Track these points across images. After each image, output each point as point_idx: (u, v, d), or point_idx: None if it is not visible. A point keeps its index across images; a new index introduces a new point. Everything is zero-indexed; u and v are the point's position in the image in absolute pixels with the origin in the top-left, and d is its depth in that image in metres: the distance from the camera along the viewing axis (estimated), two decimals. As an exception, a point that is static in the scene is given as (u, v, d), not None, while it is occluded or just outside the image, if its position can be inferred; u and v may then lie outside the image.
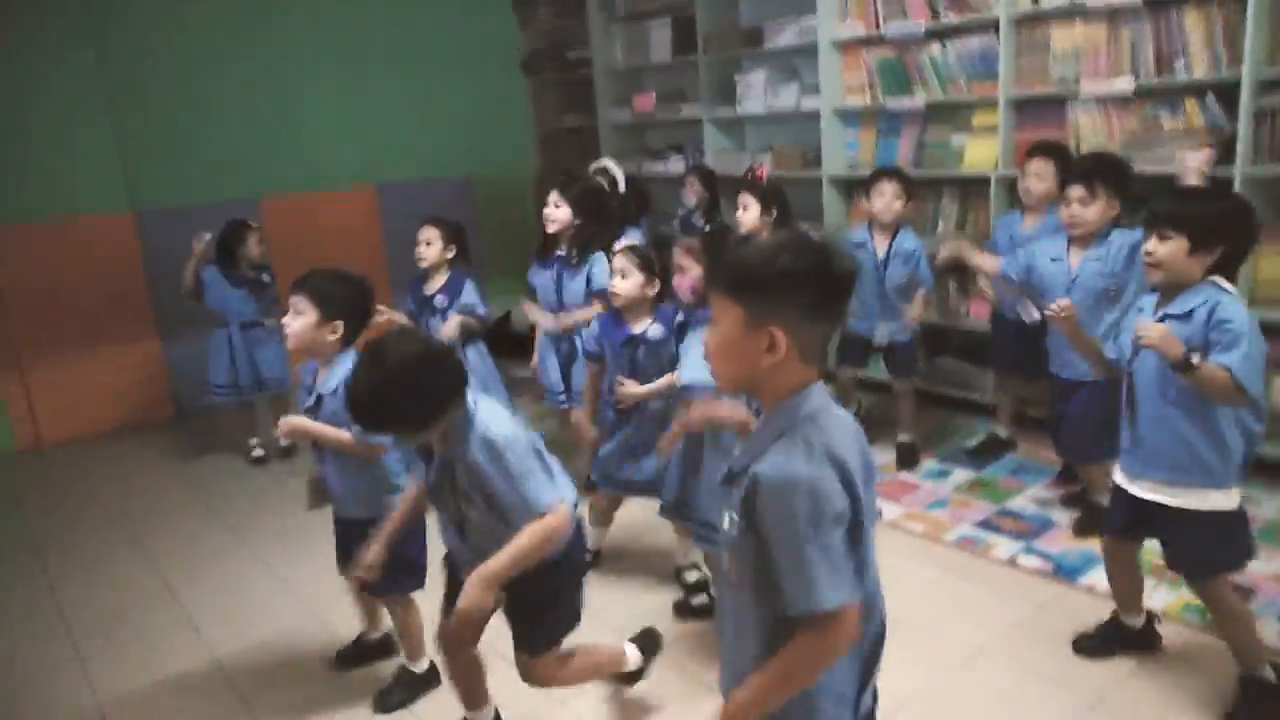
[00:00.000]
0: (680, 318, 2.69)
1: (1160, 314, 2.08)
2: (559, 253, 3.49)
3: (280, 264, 5.54)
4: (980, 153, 4.11)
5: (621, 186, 4.09)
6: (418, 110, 6.03)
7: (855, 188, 4.72)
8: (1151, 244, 2.06)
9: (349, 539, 2.39)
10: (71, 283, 4.90)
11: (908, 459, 3.78)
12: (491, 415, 1.89)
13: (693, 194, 4.72)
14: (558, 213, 3.46)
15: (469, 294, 3.66)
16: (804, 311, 1.27)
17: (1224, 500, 2.09)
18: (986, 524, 3.22)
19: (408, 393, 1.80)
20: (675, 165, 5.60)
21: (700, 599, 2.81)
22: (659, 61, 5.52)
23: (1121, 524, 2.27)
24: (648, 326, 2.75)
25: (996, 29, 3.86)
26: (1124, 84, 3.53)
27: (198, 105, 5.21)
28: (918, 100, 4.25)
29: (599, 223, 3.47)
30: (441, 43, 6.08)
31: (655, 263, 2.74)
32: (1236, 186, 3.23)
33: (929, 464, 3.77)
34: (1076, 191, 2.84)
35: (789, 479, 1.24)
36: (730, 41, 5.07)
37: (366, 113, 5.83)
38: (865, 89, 4.50)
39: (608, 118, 5.96)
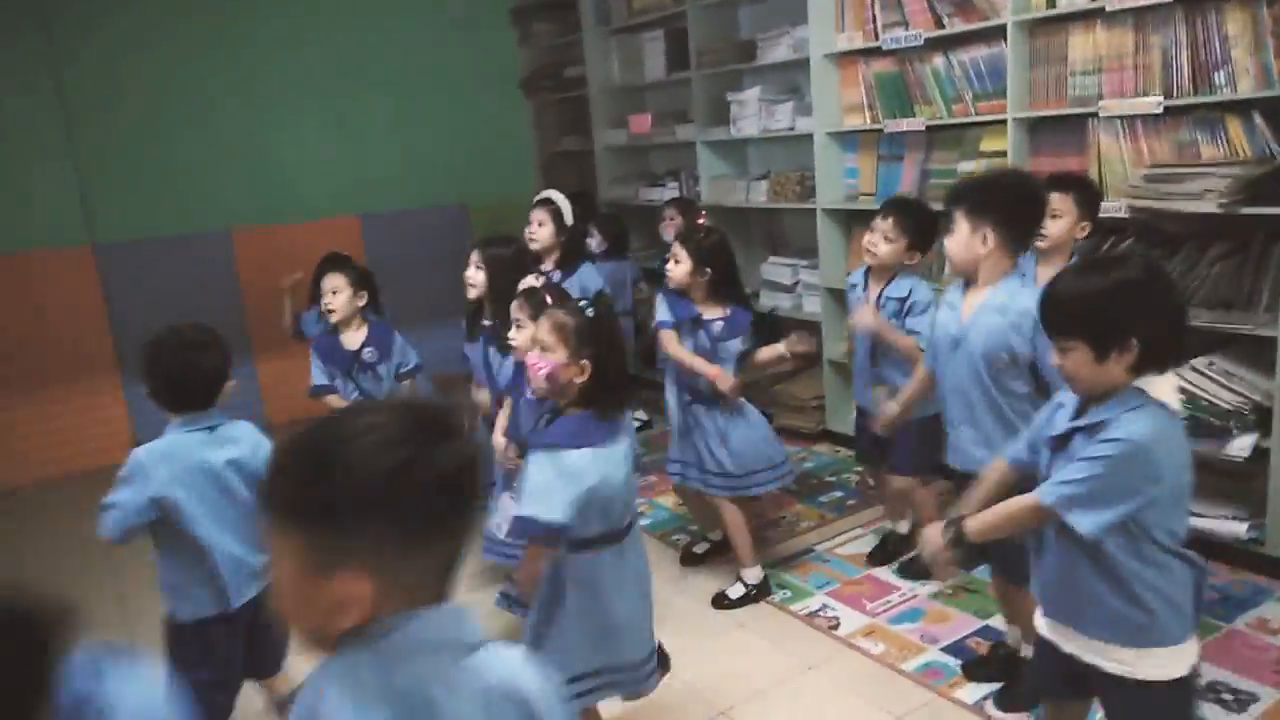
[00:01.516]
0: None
1: (1069, 426, 1.61)
2: (486, 322, 3.04)
3: (253, 299, 5.30)
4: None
5: (568, 219, 3.62)
6: (409, 134, 5.68)
7: (855, 222, 4.14)
8: (1053, 357, 1.60)
9: None
10: (27, 318, 4.68)
11: (879, 554, 3.19)
12: None
13: (671, 229, 4.22)
14: (478, 276, 3.01)
15: (399, 347, 3.25)
16: (393, 542, 0.83)
17: (1169, 661, 1.57)
18: (961, 648, 2.61)
19: None
20: (671, 192, 5.09)
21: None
22: (654, 79, 5.04)
23: (1058, 685, 1.75)
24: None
25: (1005, 36, 3.25)
26: (1150, 101, 2.88)
27: (163, 134, 4.95)
28: (918, 121, 3.65)
29: (515, 288, 2.98)
30: (435, 62, 5.71)
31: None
32: (1290, 230, 2.57)
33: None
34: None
35: None
36: (725, 56, 4.55)
37: (350, 138, 5.50)
38: (864, 108, 3.92)
39: (604, 139, 5.49)
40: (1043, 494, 1.58)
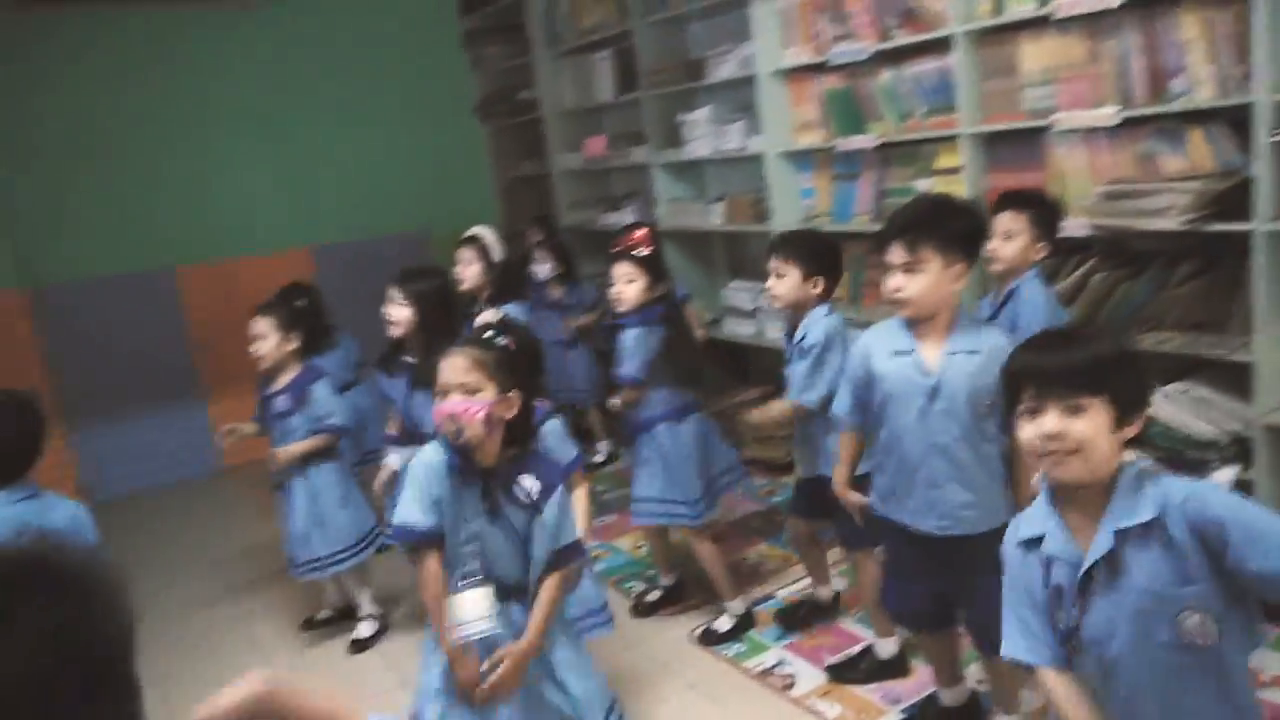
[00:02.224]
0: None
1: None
2: (408, 359, 2.86)
3: (199, 336, 5.12)
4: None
5: (495, 256, 3.45)
6: (361, 163, 5.52)
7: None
8: (1054, 423, 1.28)
9: None
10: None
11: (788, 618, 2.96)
12: None
13: None
14: (401, 313, 2.83)
15: (320, 400, 3.04)
16: None
17: None
18: (923, 706, 2.42)
19: None
20: (628, 217, 4.92)
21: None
22: (605, 100, 4.87)
23: None
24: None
25: (951, 47, 3.09)
26: (1106, 113, 2.71)
27: (100, 170, 4.80)
28: (870, 139, 3.48)
29: (445, 322, 2.81)
30: (387, 89, 5.56)
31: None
32: (1257, 246, 2.40)
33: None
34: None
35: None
36: (673, 76, 4.38)
37: (299, 169, 5.34)
38: (818, 126, 3.75)
39: (560, 163, 5.33)
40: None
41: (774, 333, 4.16)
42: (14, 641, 0.66)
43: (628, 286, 2.79)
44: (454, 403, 1.78)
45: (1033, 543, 1.34)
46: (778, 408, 2.77)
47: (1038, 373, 1.29)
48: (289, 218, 5.33)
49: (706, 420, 2.96)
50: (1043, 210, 2.50)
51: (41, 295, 4.69)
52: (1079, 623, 1.29)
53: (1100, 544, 1.26)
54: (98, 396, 4.86)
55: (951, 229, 1.93)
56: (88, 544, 1.90)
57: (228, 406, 5.00)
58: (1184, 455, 2.58)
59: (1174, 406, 2.62)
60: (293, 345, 3.08)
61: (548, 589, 1.83)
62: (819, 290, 2.55)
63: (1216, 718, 1.27)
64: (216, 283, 5.09)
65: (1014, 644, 1.39)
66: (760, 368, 4.45)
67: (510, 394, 1.82)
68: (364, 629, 3.13)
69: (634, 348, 2.78)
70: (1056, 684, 1.35)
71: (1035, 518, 1.35)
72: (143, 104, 4.85)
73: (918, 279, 1.90)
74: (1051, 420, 1.27)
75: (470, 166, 5.92)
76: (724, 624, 2.89)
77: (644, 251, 2.83)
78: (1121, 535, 1.24)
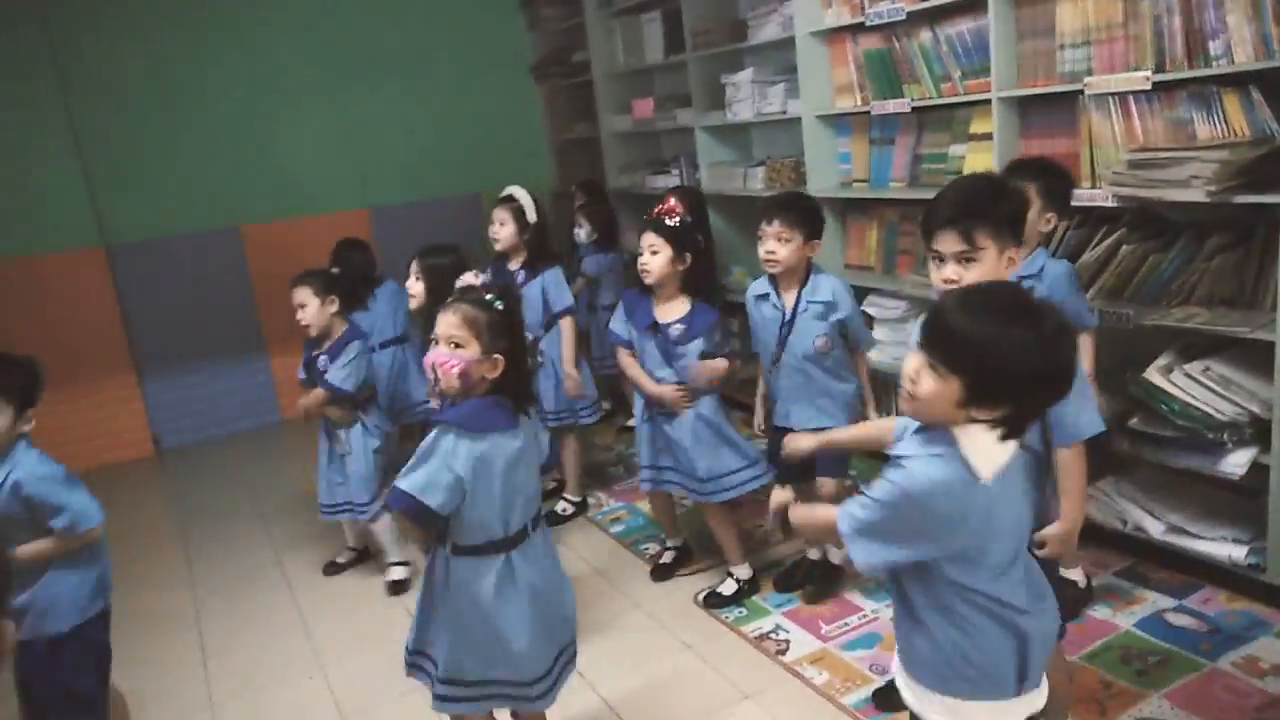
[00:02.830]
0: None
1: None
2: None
3: (263, 293, 5.34)
4: (980, 167, 3.20)
5: (531, 216, 3.48)
6: (419, 125, 5.63)
7: (851, 210, 3.91)
8: (910, 363, 1.36)
9: None
10: (41, 319, 4.80)
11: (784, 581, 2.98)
12: None
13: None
14: (417, 286, 2.94)
15: (340, 362, 3.17)
16: None
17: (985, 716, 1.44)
18: (909, 678, 2.42)
19: None
20: (674, 180, 4.91)
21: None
22: (654, 61, 4.85)
23: None
24: None
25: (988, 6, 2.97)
26: (1137, 77, 2.58)
27: (170, 132, 5.01)
28: (903, 103, 3.39)
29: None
30: (445, 52, 5.63)
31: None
32: (1286, 221, 2.27)
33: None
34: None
35: None
36: (718, 37, 4.33)
37: (360, 132, 5.48)
38: (855, 89, 3.67)
39: (609, 125, 5.33)
40: (839, 514, 1.44)
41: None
42: None
43: (653, 258, 2.77)
44: (438, 353, 1.87)
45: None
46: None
47: (935, 327, 1.34)
48: (348, 179, 5.49)
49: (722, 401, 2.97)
50: (1051, 180, 2.38)
51: (114, 252, 4.96)
52: None
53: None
54: (167, 350, 5.13)
55: (1005, 212, 1.80)
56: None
57: (289, 361, 5.22)
58: (1202, 436, 2.48)
59: (1193, 385, 2.51)
60: (333, 308, 3.21)
61: None
62: (815, 253, 2.60)
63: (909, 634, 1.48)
64: (279, 241, 5.29)
65: None
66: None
67: (495, 356, 1.87)
68: (396, 573, 3.27)
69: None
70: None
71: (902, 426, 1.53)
72: (210, 68, 5.04)
73: (975, 268, 1.75)
74: (914, 364, 1.35)
75: (526, 129, 5.98)
76: (728, 588, 2.93)
77: (673, 221, 2.82)
78: None
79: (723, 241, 4.70)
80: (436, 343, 1.88)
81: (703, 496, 2.85)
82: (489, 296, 1.93)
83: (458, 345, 1.85)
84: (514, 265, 3.53)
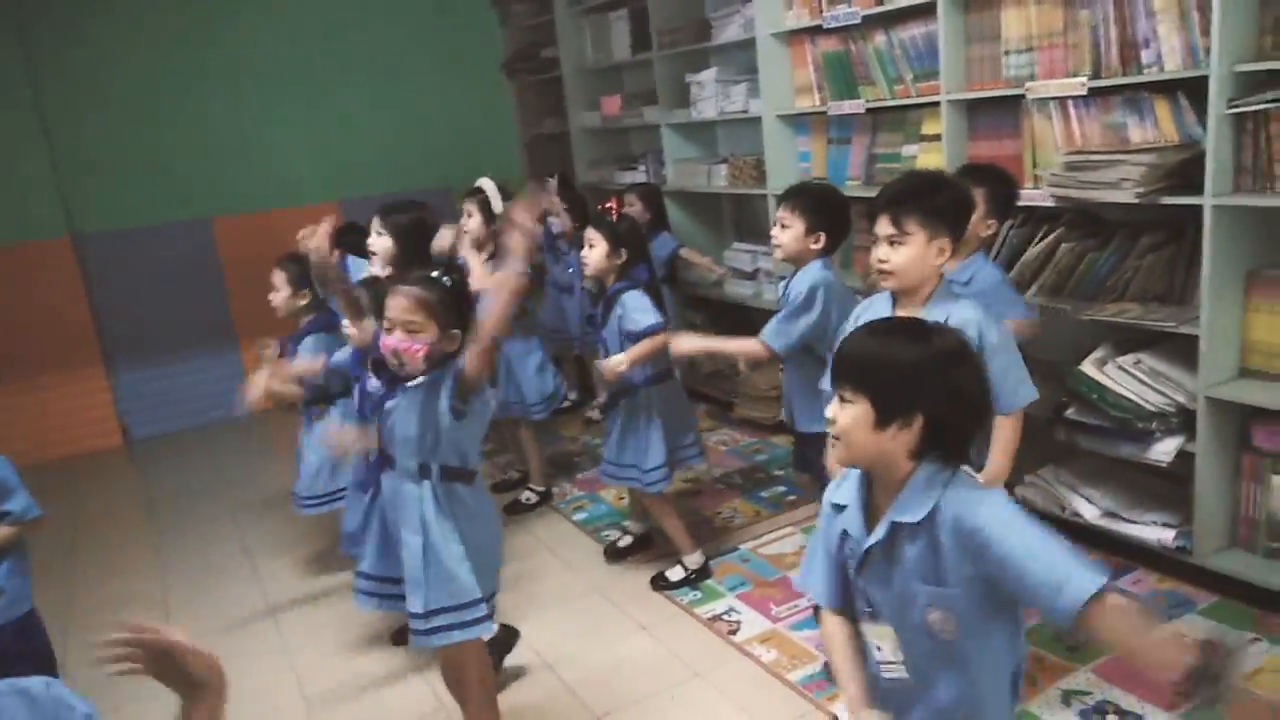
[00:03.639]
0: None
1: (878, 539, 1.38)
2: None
3: (235, 285, 5.38)
4: (932, 166, 3.32)
5: (497, 207, 3.55)
6: (392, 119, 5.68)
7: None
8: (830, 408, 1.37)
9: None
10: (10, 309, 4.81)
11: None
12: None
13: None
14: (381, 243, 2.98)
15: (303, 349, 3.22)
16: None
17: None
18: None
19: None
20: (640, 176, 5.00)
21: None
22: (621, 59, 4.93)
23: None
24: None
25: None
26: (1075, 82, 2.70)
27: (142, 124, 5.03)
28: (859, 103, 3.50)
29: (422, 253, 2.97)
30: (418, 47, 5.69)
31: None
32: (1206, 220, 2.39)
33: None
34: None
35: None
36: (683, 36, 4.42)
37: (331, 125, 5.53)
38: (814, 89, 3.77)
39: (578, 121, 5.41)
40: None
41: (772, 294, 4.23)
42: None
43: (590, 251, 2.91)
44: (397, 339, 1.92)
45: (838, 508, 1.45)
46: (737, 346, 2.80)
47: (837, 360, 1.39)
48: (320, 171, 5.53)
49: (679, 388, 3.07)
50: (997, 186, 2.49)
51: (84, 242, 4.97)
52: (859, 588, 1.42)
53: (878, 532, 1.36)
54: (138, 340, 5.16)
55: (936, 204, 1.95)
56: None
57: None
58: (1133, 425, 2.61)
59: (1125, 377, 2.64)
60: (303, 301, 3.26)
61: None
62: (819, 245, 2.56)
63: (955, 701, 1.38)
64: (251, 233, 5.32)
65: (806, 580, 1.54)
66: (759, 328, 4.50)
67: (453, 332, 1.95)
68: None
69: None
70: (829, 623, 1.51)
71: (846, 490, 1.44)
72: (184, 60, 5.06)
73: (901, 251, 1.94)
74: (831, 407, 1.36)
75: (496, 123, 6.04)
76: (676, 574, 3.03)
77: (609, 219, 2.93)
78: (896, 527, 1.33)
79: (687, 235, 4.80)
80: (391, 329, 1.94)
81: (642, 486, 2.96)
82: (435, 274, 1.99)
83: (414, 330, 1.91)
84: (482, 256, 3.60)
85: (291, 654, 2.90)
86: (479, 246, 3.63)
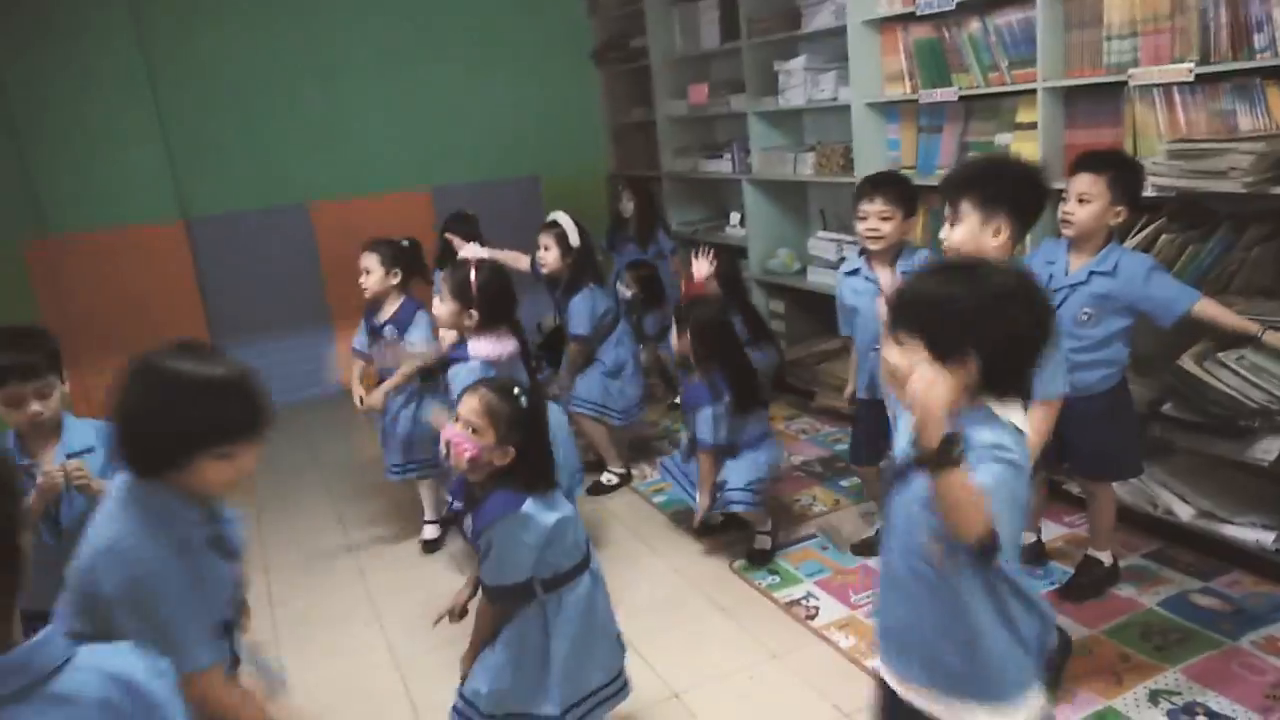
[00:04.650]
0: None
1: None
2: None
3: (330, 268, 5.59)
4: (1027, 154, 3.26)
5: (573, 240, 3.65)
6: (481, 109, 5.80)
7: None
8: (889, 351, 1.40)
9: None
10: (126, 290, 5.10)
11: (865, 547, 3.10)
12: None
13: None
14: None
15: (417, 329, 3.36)
16: None
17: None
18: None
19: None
20: (725, 165, 5.02)
21: None
22: (710, 48, 4.95)
23: None
24: None
25: (1036, -2, 3.02)
26: (1181, 69, 2.62)
27: (246, 113, 5.25)
28: (951, 91, 3.45)
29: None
30: (508, 35, 5.79)
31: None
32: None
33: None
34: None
35: None
36: (773, 24, 4.42)
37: (423, 114, 5.68)
38: (904, 77, 3.74)
39: (665, 110, 5.45)
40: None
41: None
42: None
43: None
44: (454, 432, 1.94)
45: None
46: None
47: (894, 304, 1.42)
48: (411, 159, 5.69)
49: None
50: (1122, 172, 2.40)
51: (193, 226, 5.23)
52: (887, 515, 1.50)
53: (900, 447, 1.44)
54: (238, 320, 5.41)
55: (994, 188, 2.00)
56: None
57: (352, 332, 5.48)
58: (1233, 423, 2.53)
59: (1226, 373, 2.56)
60: (395, 280, 3.40)
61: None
62: (911, 233, 2.69)
63: (936, 638, 1.41)
64: (344, 218, 5.52)
65: None
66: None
67: (508, 447, 1.94)
68: (428, 531, 3.50)
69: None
70: None
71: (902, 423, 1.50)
72: (283, 50, 5.27)
73: (957, 230, 2.07)
74: (891, 350, 1.40)
75: (584, 113, 6.12)
76: (764, 543, 3.13)
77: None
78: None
79: (771, 225, 4.81)
80: (455, 419, 1.97)
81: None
82: (515, 390, 1.99)
83: (475, 430, 1.92)
84: (558, 287, 3.72)
85: (382, 618, 3.03)
86: (557, 277, 3.72)
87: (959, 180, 2.09)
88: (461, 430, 1.93)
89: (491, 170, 5.88)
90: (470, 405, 1.95)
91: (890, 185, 2.69)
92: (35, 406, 2.01)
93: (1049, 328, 1.38)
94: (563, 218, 3.68)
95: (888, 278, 2.73)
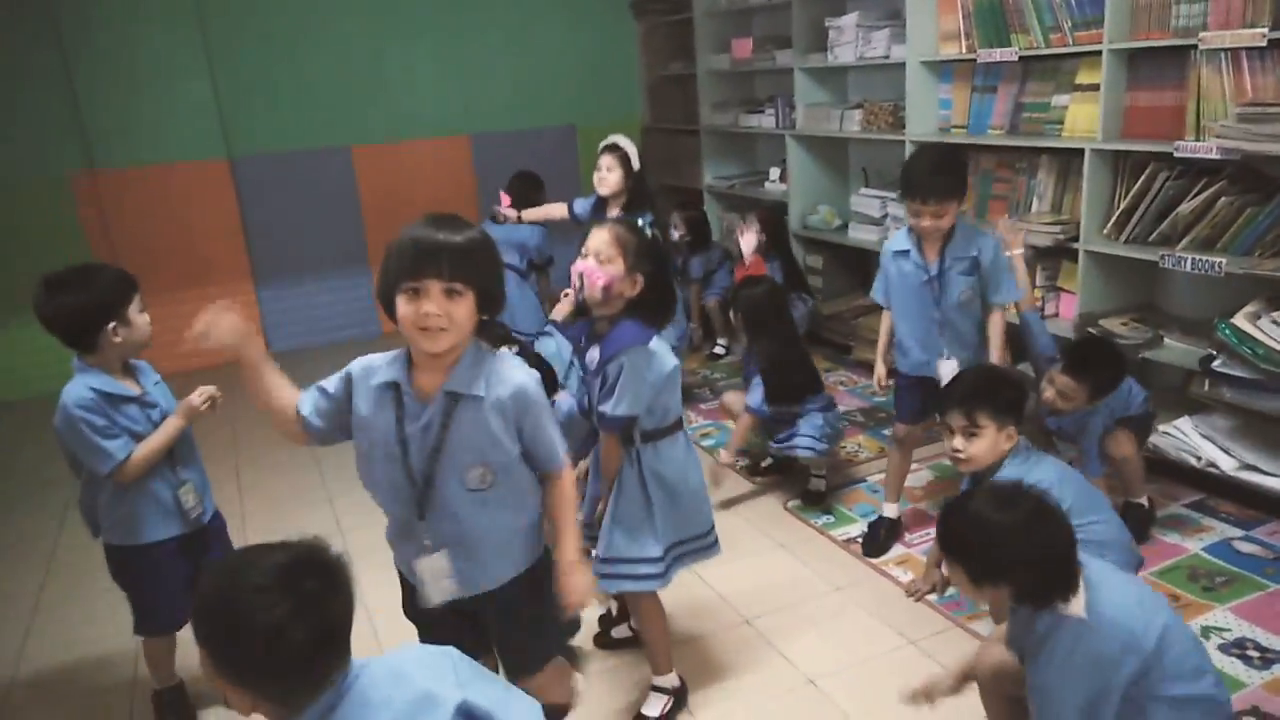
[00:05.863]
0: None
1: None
2: None
3: (369, 212, 5.64)
4: (1083, 118, 3.34)
5: (635, 164, 3.69)
6: (520, 58, 5.83)
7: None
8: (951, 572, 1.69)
9: None
10: (169, 226, 5.15)
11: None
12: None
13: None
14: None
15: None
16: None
17: None
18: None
19: None
20: (767, 120, 5.07)
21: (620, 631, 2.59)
22: (755, 2, 4.97)
23: None
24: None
25: (1105, -41, 3.08)
26: (1254, 33, 2.69)
27: (292, 55, 5.28)
28: (1010, 51, 3.51)
29: None
30: (547, -14, 5.81)
31: None
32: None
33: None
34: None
35: None
36: (825, -20, 4.45)
37: (464, 62, 5.70)
38: (960, 36, 3.79)
39: (706, 64, 5.48)
40: None
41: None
42: (292, 601, 1.06)
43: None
44: (585, 265, 2.03)
45: None
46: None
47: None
48: (452, 106, 5.72)
49: None
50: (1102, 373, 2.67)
51: (238, 164, 5.27)
52: None
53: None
54: (279, 259, 5.48)
55: (1003, 399, 2.18)
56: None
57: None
58: (1278, 377, 2.64)
59: (1277, 329, 2.67)
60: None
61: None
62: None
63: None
64: (386, 162, 5.57)
65: None
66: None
67: (637, 275, 2.04)
68: None
69: None
70: None
71: None
72: (330, -7, 5.29)
73: (976, 442, 2.17)
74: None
75: (621, 64, 6.14)
76: (819, 485, 3.27)
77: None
78: None
79: (812, 181, 4.88)
80: (586, 255, 2.05)
81: None
82: (642, 223, 2.11)
83: (604, 260, 2.01)
84: (614, 210, 3.75)
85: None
86: (613, 201, 3.76)
87: (970, 395, 2.19)
88: (593, 261, 2.02)
89: (529, 120, 5.92)
90: (600, 237, 2.04)
91: (945, 193, 2.60)
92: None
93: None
94: (623, 140, 3.71)
95: (936, 260, 2.71)
